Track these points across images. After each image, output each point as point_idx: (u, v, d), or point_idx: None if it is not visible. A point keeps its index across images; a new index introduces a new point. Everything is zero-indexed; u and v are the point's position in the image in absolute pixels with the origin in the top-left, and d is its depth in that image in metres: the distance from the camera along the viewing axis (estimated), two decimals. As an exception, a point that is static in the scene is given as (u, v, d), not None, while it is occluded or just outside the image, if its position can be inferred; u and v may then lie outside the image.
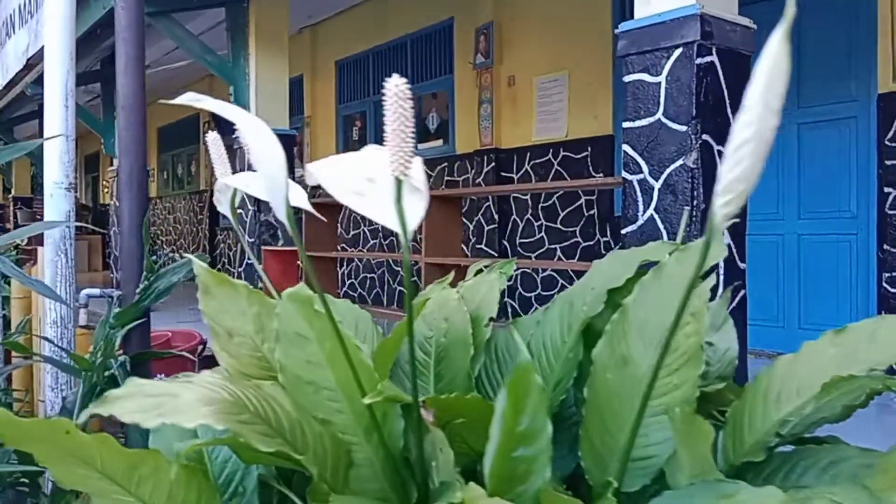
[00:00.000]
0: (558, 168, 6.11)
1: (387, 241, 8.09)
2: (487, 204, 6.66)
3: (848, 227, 4.70)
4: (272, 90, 5.55)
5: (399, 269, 7.86)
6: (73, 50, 2.55)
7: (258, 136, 0.78)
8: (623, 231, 2.90)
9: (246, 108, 5.58)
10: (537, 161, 6.35)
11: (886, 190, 4.35)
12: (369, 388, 0.80)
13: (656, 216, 2.79)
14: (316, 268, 4.93)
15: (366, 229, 8.41)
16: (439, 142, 7.74)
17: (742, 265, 2.87)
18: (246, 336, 0.97)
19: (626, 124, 2.94)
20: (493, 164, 6.73)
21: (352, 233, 8.55)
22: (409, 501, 0.83)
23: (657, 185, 2.79)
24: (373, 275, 8.30)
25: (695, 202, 2.67)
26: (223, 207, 1.17)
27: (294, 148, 5.74)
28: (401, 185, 0.67)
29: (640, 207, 2.85)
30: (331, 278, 5.07)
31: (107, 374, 1.34)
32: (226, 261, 10.98)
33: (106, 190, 14.11)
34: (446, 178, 7.30)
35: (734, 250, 2.84)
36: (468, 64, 7.04)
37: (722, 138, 2.74)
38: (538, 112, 6.39)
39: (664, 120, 2.77)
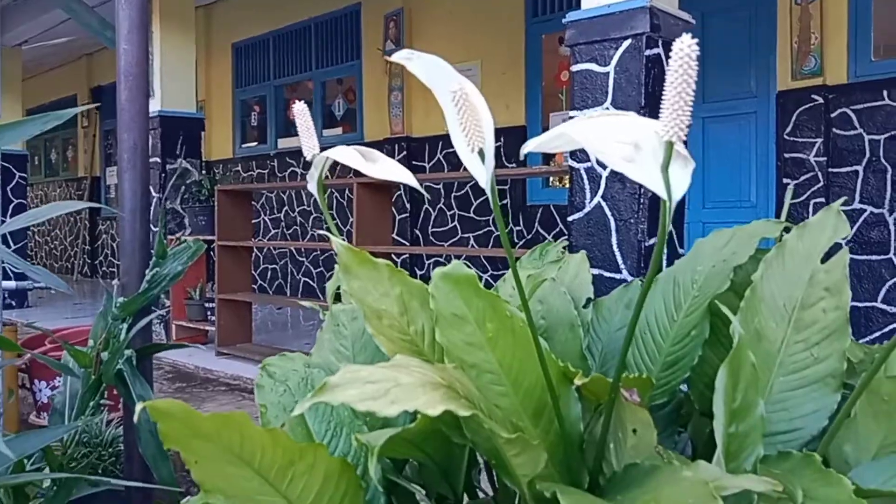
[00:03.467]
0: (473, 157, 6.13)
1: (289, 231, 7.84)
2: (399, 193, 6.59)
3: (748, 216, 5.00)
4: (177, 70, 5.24)
5: (303, 259, 7.65)
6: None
7: (470, 96, 0.72)
8: (570, 218, 2.94)
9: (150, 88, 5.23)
10: (450, 150, 6.34)
11: (785, 181, 4.66)
12: (542, 371, 0.74)
13: (604, 203, 2.84)
14: (229, 259, 4.70)
15: (266, 218, 8.12)
16: (345, 129, 7.58)
17: (681, 251, 2.99)
18: (392, 318, 0.88)
19: (572, 113, 2.97)
20: (405, 152, 6.67)
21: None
22: (580, 485, 0.79)
23: (604, 174, 2.84)
24: (275, 266, 8.03)
25: (642, 189, 2.74)
26: (312, 185, 1.07)
27: (201, 132, 5.43)
28: (671, 150, 0.62)
29: (588, 195, 2.89)
30: (245, 269, 4.84)
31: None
32: (108, 252, 10.28)
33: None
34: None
35: (675, 236, 2.95)
36: (377, 50, 6.93)
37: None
38: (450, 101, 6.38)
39: (612, 109, 2.82)
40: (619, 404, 0.75)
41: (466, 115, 0.76)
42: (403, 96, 6.70)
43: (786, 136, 4.62)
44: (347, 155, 1.12)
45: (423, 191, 0.97)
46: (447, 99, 0.77)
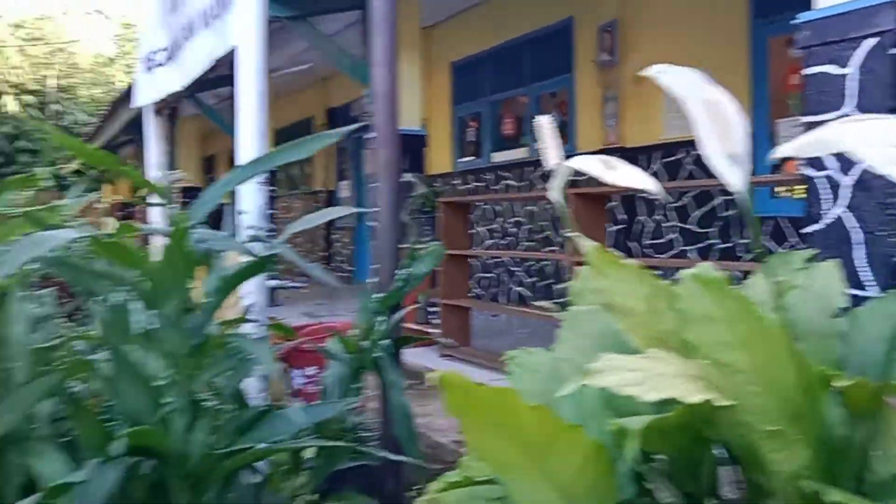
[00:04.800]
0: (691, 167, 5.92)
1: (504, 242, 8.07)
2: (614, 205, 6.53)
3: None
4: (405, 89, 5.63)
5: (517, 269, 7.83)
6: (265, 49, 2.64)
7: (723, 104, 0.77)
8: (806, 230, 2.77)
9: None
10: (667, 160, 6.18)
11: None
12: (799, 373, 0.76)
13: (847, 214, 2.65)
14: (452, 267, 4.94)
15: (480, 229, 8.42)
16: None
17: None
18: (640, 315, 0.95)
19: (806, 119, 2.81)
20: (618, 163, 6.59)
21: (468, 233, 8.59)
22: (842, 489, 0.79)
23: (847, 182, 2.65)
24: (489, 274, 8.29)
25: (891, 199, 2.52)
26: (554, 193, 1.17)
27: (423, 148, 5.80)
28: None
29: (827, 206, 2.71)
30: (464, 277, 5.08)
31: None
32: (340, 259, 11.25)
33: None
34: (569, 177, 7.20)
35: None
36: (590, 62, 6.94)
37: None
38: (667, 109, 6.22)
39: (855, 113, 2.62)
40: (886, 411, 0.73)
41: (719, 122, 0.79)
42: (618, 106, 6.63)
43: None
44: (589, 163, 1.19)
45: (665, 195, 1.01)
46: (699, 108, 0.81)
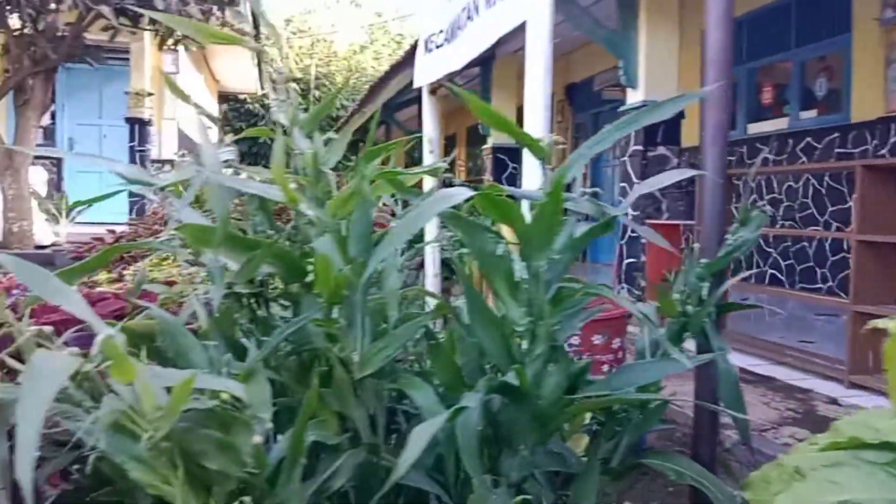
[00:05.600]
0: None
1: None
2: None
3: None
4: (662, 61, 5.48)
5: (770, 250, 7.31)
6: (552, 23, 2.73)
7: None
8: None
9: (635, 80, 5.58)
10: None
11: None
12: None
13: None
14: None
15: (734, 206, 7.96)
16: (821, 111, 6.99)
17: None
18: None
19: None
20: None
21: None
22: None
23: None
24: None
25: None
26: None
27: (681, 120, 5.59)
28: None
29: None
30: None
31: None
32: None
33: (461, 169, 15.27)
34: (836, 150, 6.56)
35: None
36: (872, 20, 6.22)
37: None
38: (971, 69, 5.41)
39: None
40: None
41: None
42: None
43: None
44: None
45: None
46: None
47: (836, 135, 6.60)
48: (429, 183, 2.00)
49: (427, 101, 4.12)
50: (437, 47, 3.79)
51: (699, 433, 1.55)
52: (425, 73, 3.97)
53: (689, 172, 1.44)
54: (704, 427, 1.54)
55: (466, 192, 1.04)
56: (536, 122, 2.55)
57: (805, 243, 6.90)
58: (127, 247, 1.30)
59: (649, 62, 5.46)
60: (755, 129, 7.77)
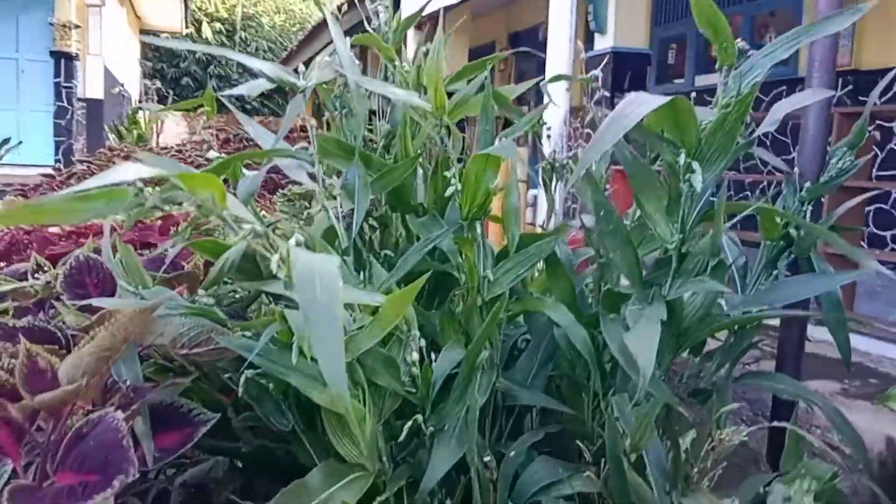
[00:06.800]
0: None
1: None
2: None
3: None
4: (632, 6, 5.47)
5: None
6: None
7: None
8: None
9: (604, 24, 5.57)
10: (917, 84, 5.64)
11: None
12: None
13: None
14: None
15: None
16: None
17: None
18: None
19: None
20: (850, 87, 6.12)
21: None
22: None
23: None
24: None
25: None
26: None
27: (647, 67, 5.63)
28: None
29: None
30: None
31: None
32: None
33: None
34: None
35: None
36: (824, -24, 6.39)
37: None
38: (920, 26, 5.65)
39: None
40: None
41: None
42: (855, 25, 6.10)
43: None
44: None
45: None
46: None
47: (784, 88, 6.81)
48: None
49: (410, 36, 3.98)
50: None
51: (784, 353, 1.59)
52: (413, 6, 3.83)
53: (827, 92, 1.42)
54: (791, 348, 1.57)
55: (661, 98, 0.99)
56: (560, 54, 2.51)
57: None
58: (259, 154, 1.19)
59: (620, 6, 5.44)
60: (703, 81, 7.94)
